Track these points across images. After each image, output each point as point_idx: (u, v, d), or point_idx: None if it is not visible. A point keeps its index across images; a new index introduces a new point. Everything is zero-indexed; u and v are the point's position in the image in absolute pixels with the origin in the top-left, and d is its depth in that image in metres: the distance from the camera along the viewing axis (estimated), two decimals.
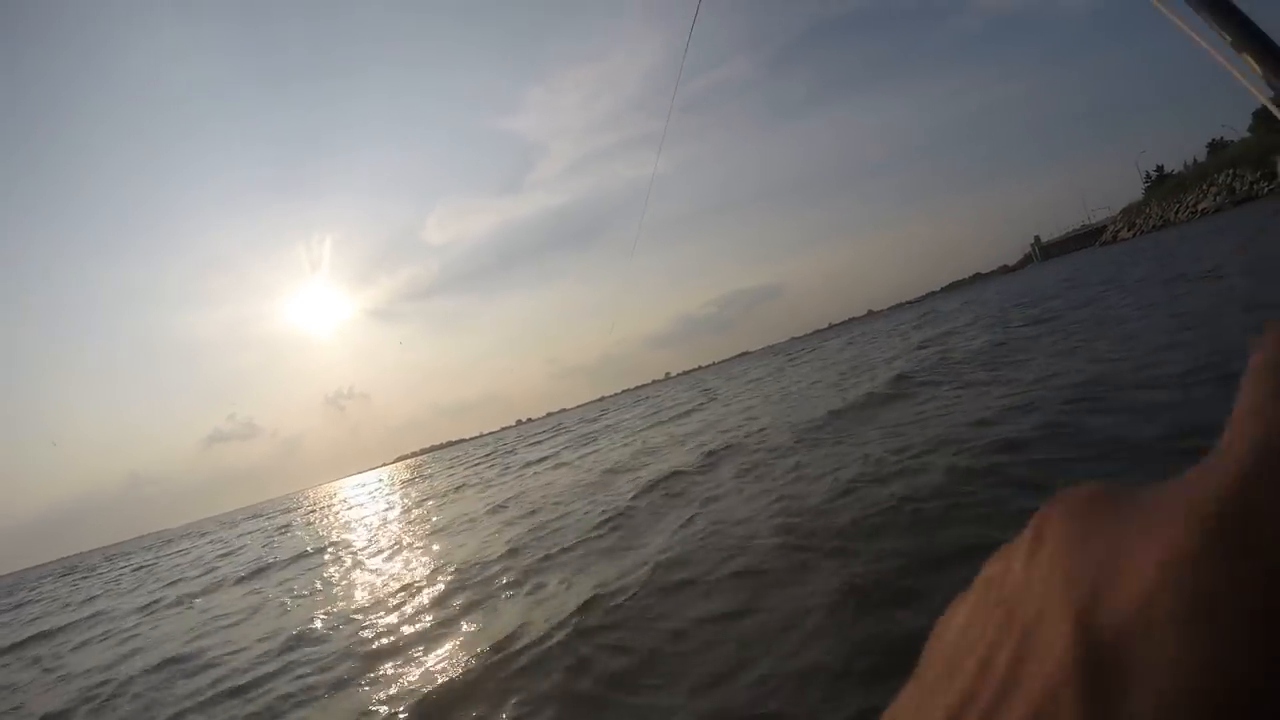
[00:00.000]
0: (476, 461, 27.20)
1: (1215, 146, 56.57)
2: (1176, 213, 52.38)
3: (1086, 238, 78.65)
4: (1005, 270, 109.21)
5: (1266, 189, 41.54)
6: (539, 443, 25.64)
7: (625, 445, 12.64)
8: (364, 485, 45.41)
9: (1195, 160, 59.10)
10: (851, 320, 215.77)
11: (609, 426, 21.78)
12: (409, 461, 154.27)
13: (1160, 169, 66.61)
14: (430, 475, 28.53)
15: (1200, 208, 48.43)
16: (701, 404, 18.71)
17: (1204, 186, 49.86)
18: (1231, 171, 45.70)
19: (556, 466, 12.60)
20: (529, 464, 15.21)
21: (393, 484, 31.66)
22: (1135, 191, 71.07)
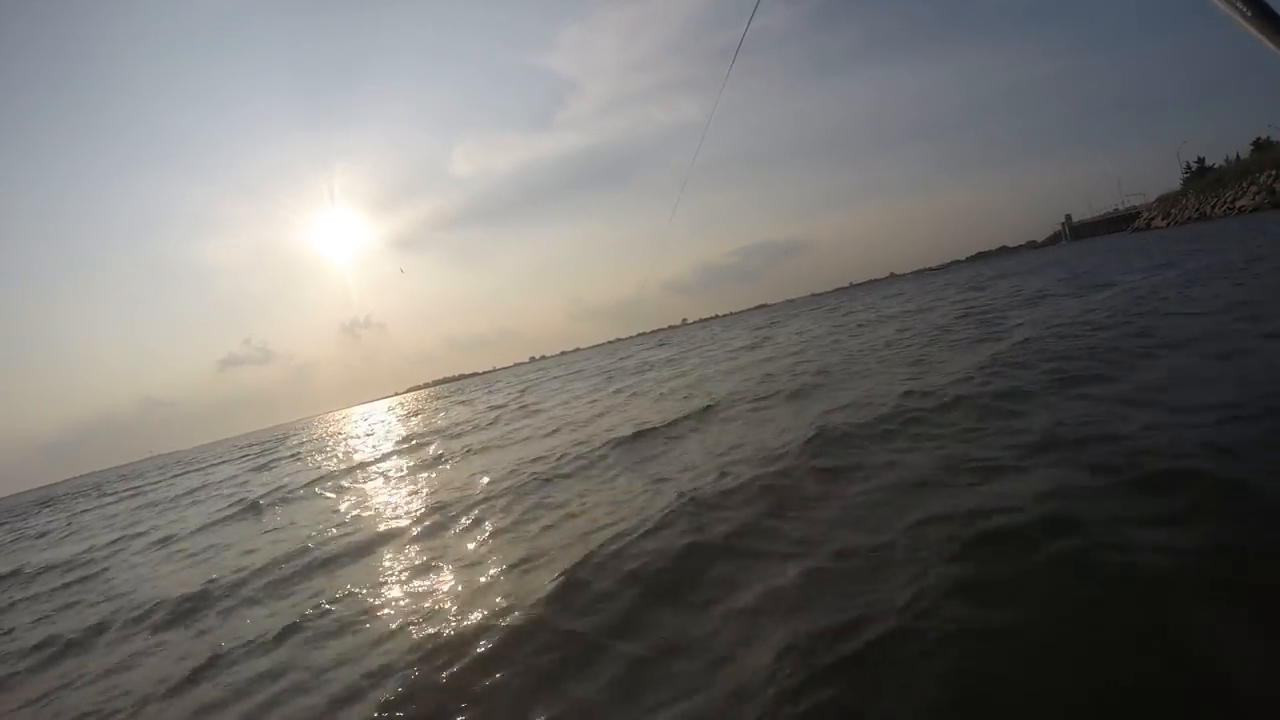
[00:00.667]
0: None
1: (1260, 146, 56.26)
2: (1214, 207, 52.47)
3: (1118, 222, 78.12)
4: (1033, 246, 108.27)
5: None
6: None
7: None
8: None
9: (1238, 156, 58.79)
10: (874, 281, 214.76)
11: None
12: (422, 392, 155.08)
13: (1201, 161, 66.06)
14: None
15: (1239, 205, 48.54)
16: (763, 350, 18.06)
17: (1244, 184, 49.90)
18: (1274, 172, 45.81)
19: None
20: None
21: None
22: (1172, 181, 70.53)
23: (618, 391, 15.01)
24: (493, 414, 17.38)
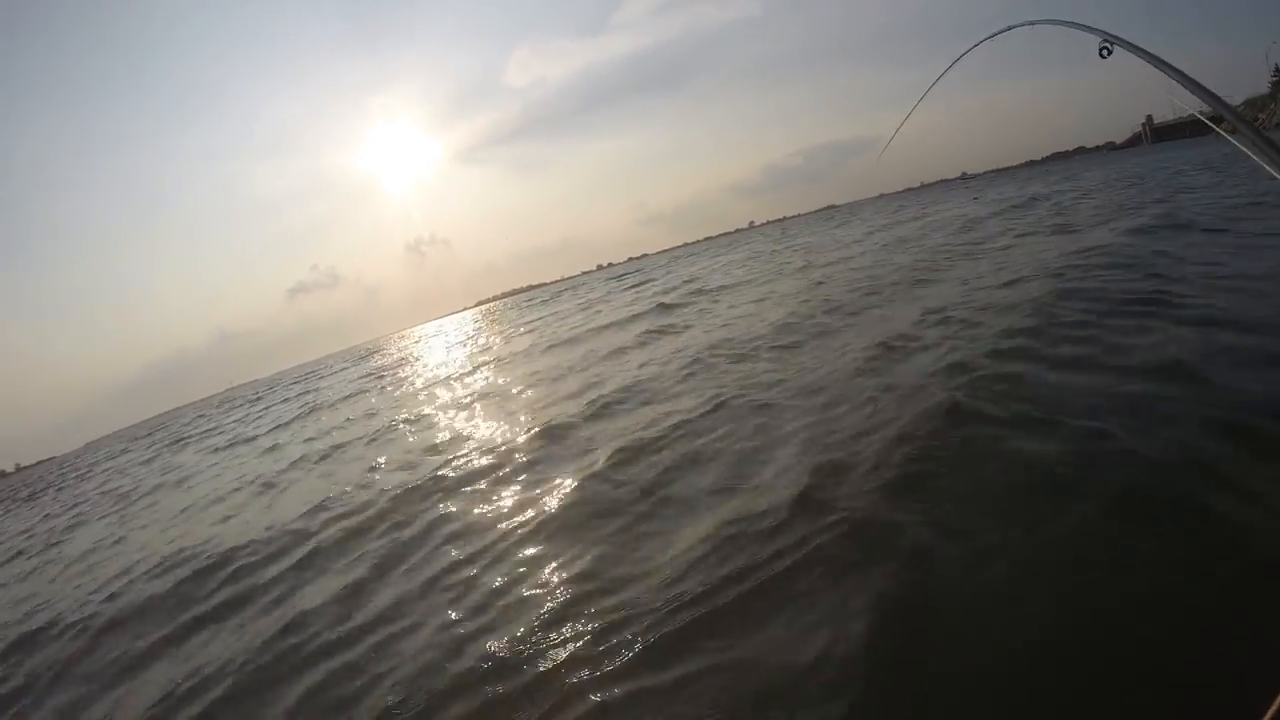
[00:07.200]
0: None
1: None
2: None
3: (1199, 126, 76.38)
4: (1112, 147, 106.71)
5: None
6: None
7: None
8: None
9: None
10: (944, 181, 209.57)
11: None
12: (491, 305, 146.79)
13: None
14: None
15: None
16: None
17: None
18: None
19: None
20: None
21: None
22: (1259, 84, 67.29)
23: None
24: None
